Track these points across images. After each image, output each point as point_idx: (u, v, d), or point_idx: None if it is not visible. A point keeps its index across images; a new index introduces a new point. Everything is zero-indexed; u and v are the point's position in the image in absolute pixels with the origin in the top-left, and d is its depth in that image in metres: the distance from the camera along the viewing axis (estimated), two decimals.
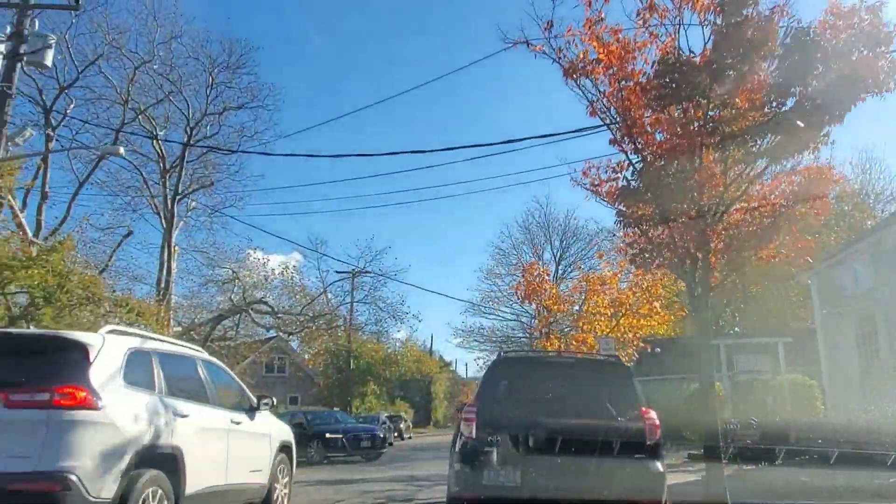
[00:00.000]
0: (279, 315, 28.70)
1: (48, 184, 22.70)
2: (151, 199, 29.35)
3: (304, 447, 19.11)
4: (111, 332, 5.94)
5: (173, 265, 29.09)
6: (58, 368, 5.05)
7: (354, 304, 32.16)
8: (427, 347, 66.83)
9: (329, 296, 32.83)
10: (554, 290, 20.26)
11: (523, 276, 21.71)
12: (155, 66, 25.95)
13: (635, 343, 19.53)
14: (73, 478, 4.64)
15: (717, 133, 7.47)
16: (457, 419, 8.39)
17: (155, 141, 28.11)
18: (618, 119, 8.67)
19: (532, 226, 38.88)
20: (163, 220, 28.11)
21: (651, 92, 7.64)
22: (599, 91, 8.22)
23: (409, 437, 38.34)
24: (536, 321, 23.69)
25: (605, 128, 9.14)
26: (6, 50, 13.88)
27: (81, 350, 5.22)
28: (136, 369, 5.67)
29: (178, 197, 28.60)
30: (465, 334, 46.28)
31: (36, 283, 14.68)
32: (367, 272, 33.48)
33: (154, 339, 6.72)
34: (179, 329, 29.61)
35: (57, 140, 22.48)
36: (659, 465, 6.59)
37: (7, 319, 16.11)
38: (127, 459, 5.10)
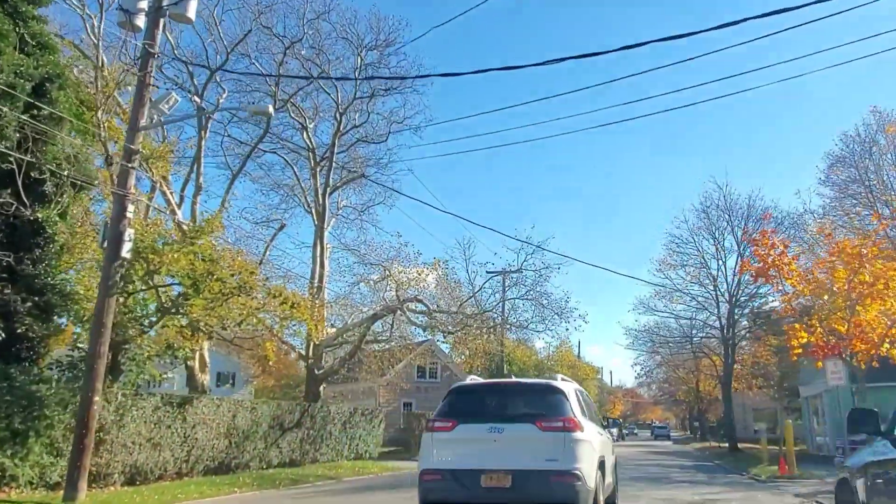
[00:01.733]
0: (434, 314, 26.26)
1: (202, 177, 21.78)
2: (303, 194, 28.27)
3: None
4: (562, 380, 8.46)
5: (326, 261, 27.72)
6: (556, 406, 7.61)
7: (516, 300, 28.73)
8: (576, 353, 62.33)
9: (485, 293, 29.77)
10: (792, 267, 15.65)
11: (754, 248, 17.35)
12: (303, 52, 24.57)
13: None
14: (580, 473, 7.15)
15: None
16: None
17: (305, 132, 26.91)
18: None
19: (710, 209, 33.43)
20: (314, 216, 26.75)
21: None
22: None
23: None
24: (780, 303, 19.07)
25: None
26: (148, 5, 12.26)
27: (563, 393, 7.80)
28: (579, 404, 8.08)
29: (329, 190, 27.20)
30: (636, 334, 41.04)
31: (184, 268, 12.90)
32: (520, 270, 30.02)
33: (570, 381, 8.88)
34: (333, 330, 28.20)
35: (210, 121, 21.47)
36: None
37: (159, 314, 14.71)
38: (596, 463, 7.65)
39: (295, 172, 28.35)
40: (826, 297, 15.11)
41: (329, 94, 26.32)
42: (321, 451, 22.14)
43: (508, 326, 27.50)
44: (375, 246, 28.71)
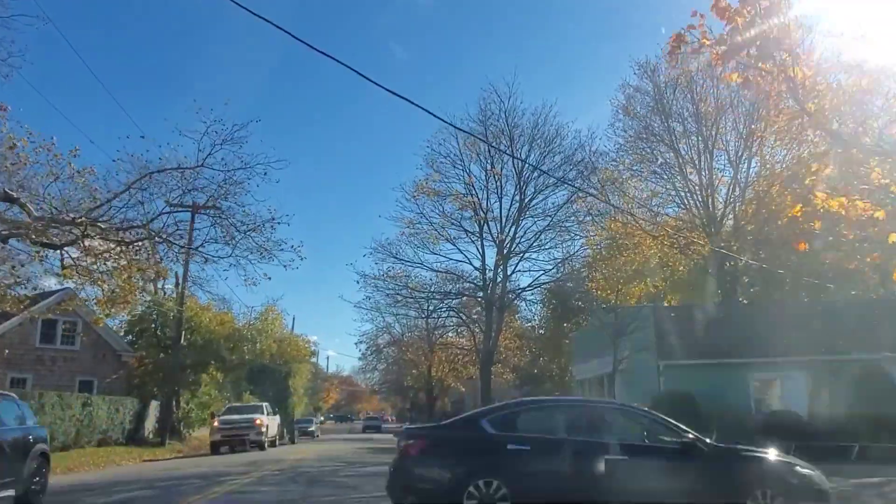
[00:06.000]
0: (32, 219, 15.50)
1: None
2: None
3: None
4: (385, 415, 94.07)
5: None
6: (380, 419, 73.80)
7: (177, 209, 18.64)
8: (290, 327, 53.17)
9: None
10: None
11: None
12: None
13: None
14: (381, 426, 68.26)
15: None
16: None
17: None
18: None
19: (490, 120, 27.02)
20: None
21: None
22: None
23: None
24: None
25: None
26: None
27: (381, 418, 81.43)
28: (382, 417, 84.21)
29: None
30: (375, 283, 31.88)
31: None
32: (199, 166, 17.65)
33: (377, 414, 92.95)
34: None
35: None
36: None
37: None
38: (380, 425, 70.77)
39: None
40: None
41: None
42: None
43: (165, 241, 17.38)
44: None
